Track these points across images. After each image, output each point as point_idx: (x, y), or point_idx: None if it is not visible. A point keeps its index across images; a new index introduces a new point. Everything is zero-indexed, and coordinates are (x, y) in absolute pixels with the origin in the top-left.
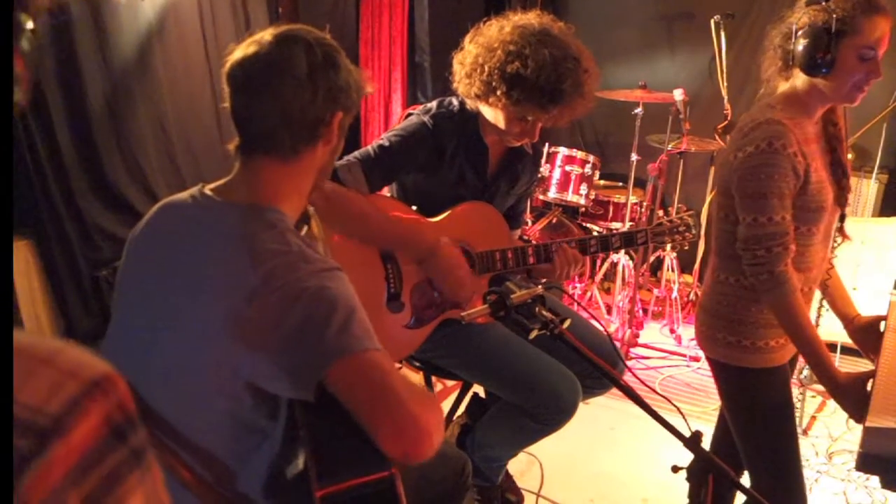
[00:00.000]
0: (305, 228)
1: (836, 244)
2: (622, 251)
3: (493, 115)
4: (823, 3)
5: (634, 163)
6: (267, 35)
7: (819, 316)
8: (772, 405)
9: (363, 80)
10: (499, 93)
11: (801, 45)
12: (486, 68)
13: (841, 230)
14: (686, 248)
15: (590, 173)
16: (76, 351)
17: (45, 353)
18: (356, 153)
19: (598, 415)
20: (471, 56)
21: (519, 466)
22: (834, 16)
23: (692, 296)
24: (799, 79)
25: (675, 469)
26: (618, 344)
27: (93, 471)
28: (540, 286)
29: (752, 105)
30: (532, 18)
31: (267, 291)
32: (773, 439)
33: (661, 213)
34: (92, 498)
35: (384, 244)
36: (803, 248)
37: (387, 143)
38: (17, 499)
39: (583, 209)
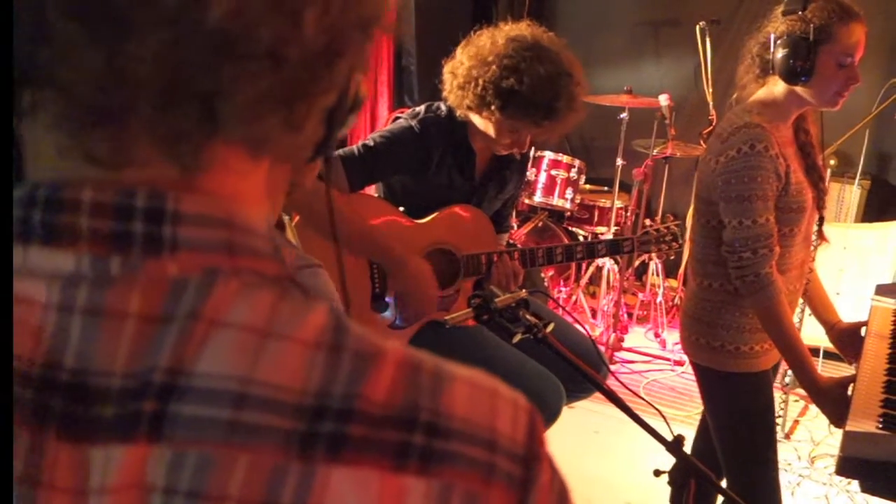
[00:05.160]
0: (281, 235)
1: (814, 246)
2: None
3: (483, 124)
4: (800, 13)
5: (620, 167)
6: None
7: (801, 321)
8: (753, 410)
9: None
10: (493, 107)
11: (780, 54)
12: (481, 82)
13: (819, 233)
14: (672, 257)
15: (575, 177)
16: (495, 379)
17: (485, 382)
18: (339, 151)
19: (583, 418)
20: (463, 68)
21: None
22: (811, 25)
23: (677, 300)
24: (778, 85)
25: (658, 473)
26: (602, 348)
27: (555, 491)
28: (524, 290)
29: (728, 111)
30: (524, 29)
31: None
32: (753, 444)
33: (647, 221)
34: None
35: (353, 250)
36: (784, 250)
37: (371, 144)
38: None
39: (568, 213)
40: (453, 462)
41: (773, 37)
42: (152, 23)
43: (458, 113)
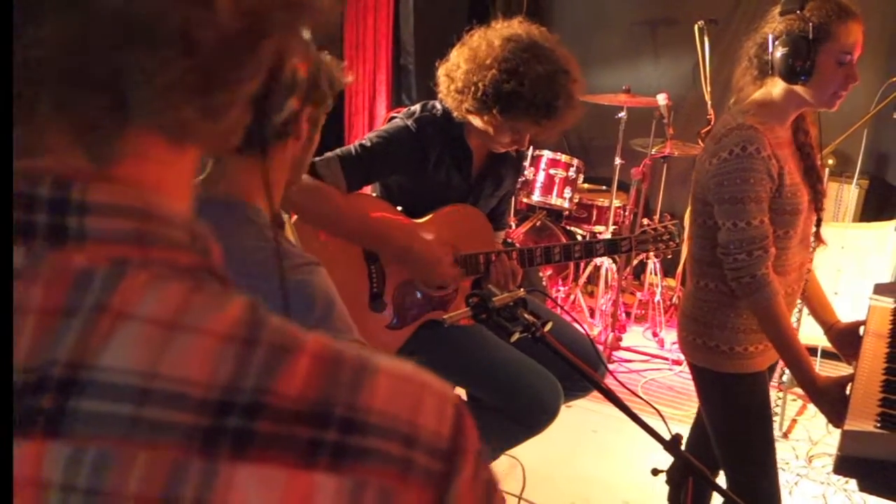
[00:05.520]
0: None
1: (812, 248)
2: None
3: (483, 125)
4: (798, 12)
5: (618, 167)
6: None
7: (799, 320)
8: (748, 410)
9: (337, 72)
10: (494, 111)
11: (779, 53)
12: (481, 87)
13: (817, 235)
14: (669, 256)
15: (574, 177)
16: (425, 371)
17: (412, 374)
18: (337, 150)
19: (581, 418)
20: (461, 71)
21: (501, 469)
22: (810, 23)
23: (675, 299)
24: (776, 86)
25: (655, 472)
26: (600, 347)
27: (479, 485)
28: (522, 289)
29: (726, 114)
30: (517, 28)
31: (245, 287)
32: (750, 445)
33: (645, 221)
34: None
35: (359, 242)
36: (780, 252)
37: (368, 144)
38: None
39: (567, 212)
40: (368, 458)
41: (771, 37)
42: (51, 5)
43: (455, 114)
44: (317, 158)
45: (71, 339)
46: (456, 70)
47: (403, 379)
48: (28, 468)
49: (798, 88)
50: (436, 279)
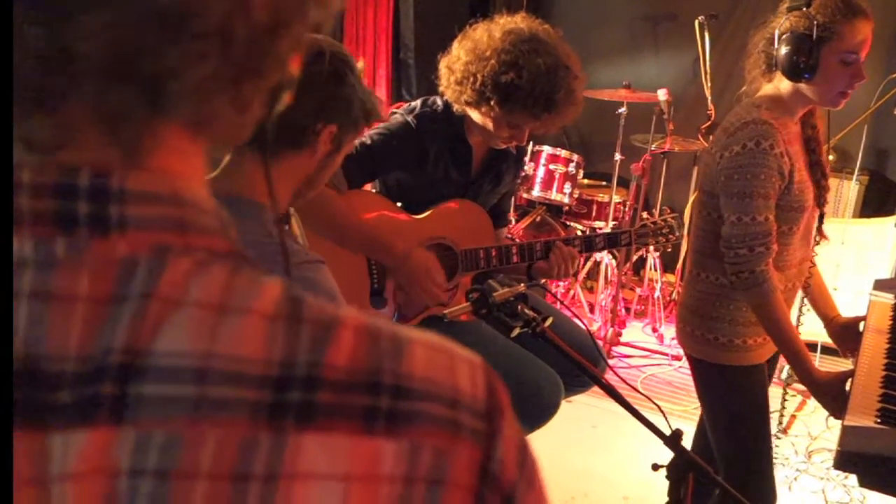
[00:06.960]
0: (286, 227)
1: (815, 243)
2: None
3: (481, 119)
4: (804, 10)
5: (618, 162)
6: None
7: (801, 315)
8: (746, 403)
9: (375, 105)
10: (492, 102)
11: (783, 50)
12: (479, 77)
13: (820, 230)
14: (669, 250)
15: (574, 172)
16: (450, 340)
17: (441, 343)
18: None
19: (581, 413)
20: (461, 63)
21: None
22: (815, 22)
23: (675, 295)
24: (783, 82)
25: (655, 467)
26: (600, 342)
27: (519, 444)
28: (522, 284)
29: (735, 105)
30: (520, 22)
31: None
32: (746, 437)
33: (644, 215)
34: (525, 478)
35: (355, 249)
36: (782, 248)
37: (369, 141)
38: (498, 471)
39: (566, 208)
40: (419, 421)
41: (777, 33)
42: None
43: (455, 108)
44: None
45: (123, 327)
46: (456, 61)
47: (435, 348)
48: (96, 455)
49: (802, 86)
50: (424, 299)
